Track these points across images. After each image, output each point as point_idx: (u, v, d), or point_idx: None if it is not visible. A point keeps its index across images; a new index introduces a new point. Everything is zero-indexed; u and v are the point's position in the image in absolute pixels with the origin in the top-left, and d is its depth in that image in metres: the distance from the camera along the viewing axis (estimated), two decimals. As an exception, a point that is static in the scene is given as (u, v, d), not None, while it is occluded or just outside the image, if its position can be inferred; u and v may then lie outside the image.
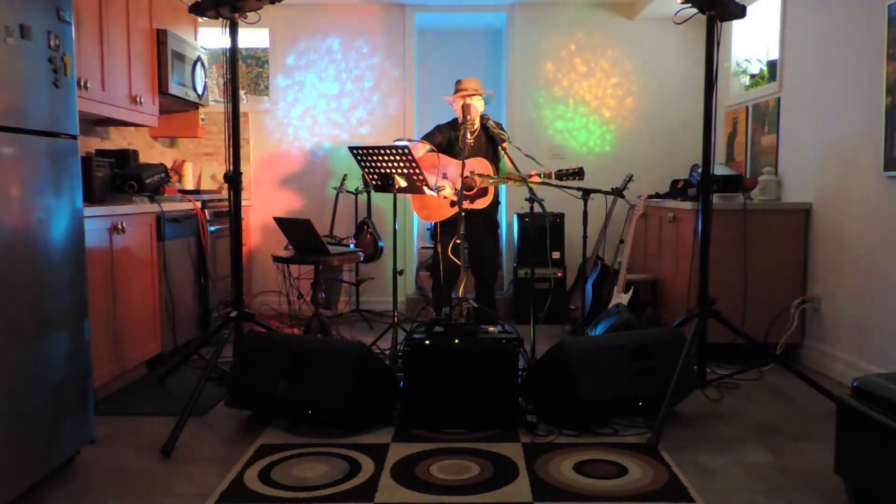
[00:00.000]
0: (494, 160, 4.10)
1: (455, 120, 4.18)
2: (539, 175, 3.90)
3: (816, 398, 3.26)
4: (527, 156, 3.93)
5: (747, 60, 5.02)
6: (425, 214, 4.17)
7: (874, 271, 3.45)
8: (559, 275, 5.22)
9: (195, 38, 4.87)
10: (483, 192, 4.01)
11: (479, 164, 4.01)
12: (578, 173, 3.84)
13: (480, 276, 4.28)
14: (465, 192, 3.75)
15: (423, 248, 6.17)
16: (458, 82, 4.13)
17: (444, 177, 4.04)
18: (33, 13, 2.27)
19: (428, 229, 6.20)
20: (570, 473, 2.50)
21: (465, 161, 3.60)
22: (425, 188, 3.77)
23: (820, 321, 3.92)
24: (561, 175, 3.86)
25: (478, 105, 4.07)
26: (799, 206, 4.06)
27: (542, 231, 4.89)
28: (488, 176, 3.98)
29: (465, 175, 3.54)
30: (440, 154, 4.09)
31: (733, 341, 3.47)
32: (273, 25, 5.58)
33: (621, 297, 4.25)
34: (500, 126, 4.08)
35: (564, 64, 5.62)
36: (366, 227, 5.27)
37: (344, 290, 5.57)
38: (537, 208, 3.50)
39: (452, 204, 3.96)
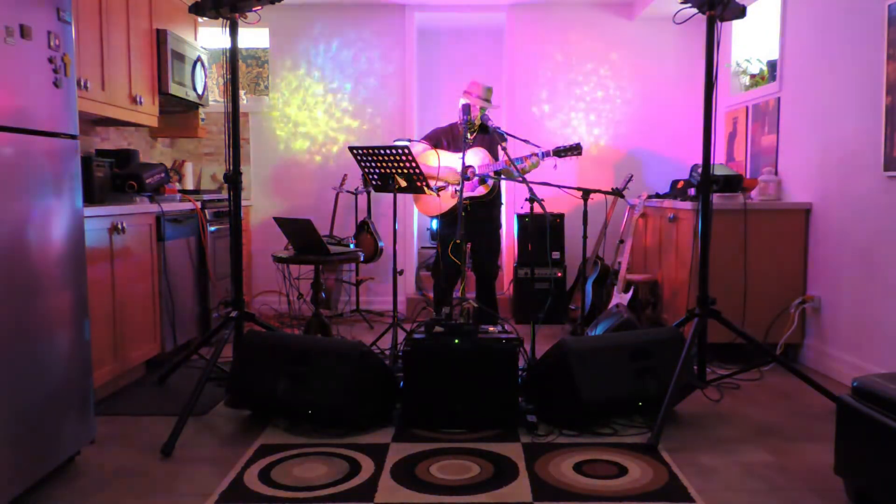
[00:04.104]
0: (494, 159, 4.11)
1: (453, 124, 4.19)
2: (538, 155, 3.95)
3: (816, 398, 3.26)
4: (523, 140, 3.95)
5: (747, 60, 5.02)
6: (426, 209, 4.18)
7: (874, 271, 3.45)
8: (559, 275, 5.22)
9: (195, 38, 4.86)
10: (483, 180, 4.03)
11: (479, 155, 4.02)
12: (576, 148, 3.91)
13: (481, 275, 4.29)
14: (464, 180, 3.75)
15: (423, 248, 6.17)
16: (472, 84, 4.13)
17: (445, 168, 4.05)
18: (33, 13, 2.27)
19: (428, 229, 6.22)
20: (570, 473, 2.50)
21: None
22: (426, 188, 3.77)
23: (820, 321, 3.92)
24: (559, 151, 3.93)
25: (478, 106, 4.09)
26: (799, 206, 4.06)
27: (542, 231, 4.89)
28: (487, 175, 3.99)
29: (463, 171, 3.55)
30: (438, 150, 4.11)
31: (733, 341, 3.47)
32: (273, 25, 5.58)
33: (621, 297, 4.25)
34: (499, 129, 4.10)
35: (564, 64, 5.61)
36: (366, 227, 5.27)
37: (344, 290, 5.57)
38: (537, 208, 3.50)
39: (453, 194, 3.98)
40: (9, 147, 2.18)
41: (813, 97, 3.98)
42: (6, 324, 2.14)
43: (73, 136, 2.51)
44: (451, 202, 4.02)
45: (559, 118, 5.63)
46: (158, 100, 4.28)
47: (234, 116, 3.16)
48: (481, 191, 4.06)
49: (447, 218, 4.09)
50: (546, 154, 3.98)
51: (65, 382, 2.44)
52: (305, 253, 4.02)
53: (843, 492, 2.31)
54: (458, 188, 3.86)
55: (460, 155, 3.68)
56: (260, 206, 5.69)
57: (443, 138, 4.19)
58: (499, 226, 4.39)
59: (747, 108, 4.81)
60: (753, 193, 4.33)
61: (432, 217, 4.49)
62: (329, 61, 5.64)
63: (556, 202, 5.11)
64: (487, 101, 4.09)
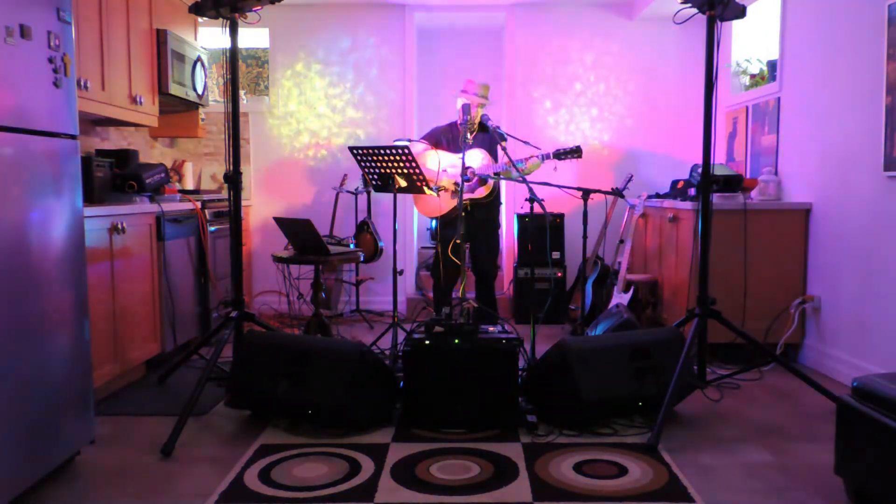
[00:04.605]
0: (494, 160, 4.11)
1: (453, 123, 4.19)
2: (539, 157, 3.95)
3: (816, 398, 3.26)
4: (524, 142, 3.95)
5: (747, 60, 5.02)
6: (427, 210, 4.18)
7: (874, 271, 3.45)
8: (559, 275, 5.22)
9: (195, 38, 4.87)
10: (483, 181, 4.03)
11: (479, 156, 4.02)
12: (576, 151, 3.92)
13: (481, 275, 4.29)
14: (464, 181, 3.75)
15: (423, 248, 6.17)
16: (468, 83, 4.13)
17: (444, 171, 4.05)
18: (33, 13, 2.27)
19: (428, 229, 6.22)
20: (570, 473, 2.50)
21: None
22: (425, 188, 3.77)
23: (820, 321, 3.92)
24: (559, 154, 3.93)
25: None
26: (799, 206, 4.06)
27: (542, 231, 4.89)
28: (487, 176, 3.99)
29: (463, 171, 3.55)
30: (439, 150, 4.11)
31: (733, 341, 3.47)
32: (273, 25, 5.58)
33: (621, 297, 4.25)
34: (498, 128, 4.10)
35: (564, 64, 5.61)
36: (366, 227, 5.27)
37: (344, 290, 5.57)
38: (537, 208, 3.50)
39: (453, 195, 3.98)
40: (9, 147, 2.18)
41: (813, 97, 3.98)
42: (6, 324, 2.14)
43: (73, 136, 2.51)
44: (451, 204, 4.03)
45: (559, 118, 5.63)
46: (158, 100, 4.28)
47: (234, 116, 3.16)
48: (481, 192, 4.06)
49: (446, 219, 4.09)
50: (546, 157, 3.98)
51: (65, 382, 2.44)
52: (305, 253, 4.02)
53: (843, 492, 2.31)
54: (457, 189, 3.86)
55: (460, 155, 3.68)
56: (260, 206, 5.69)
57: (442, 137, 4.20)
58: (498, 226, 4.39)
59: (747, 108, 4.81)
60: (753, 193, 4.33)
61: (432, 218, 4.50)
62: (328, 61, 5.64)
63: (556, 202, 5.11)
64: (485, 97, 4.10)
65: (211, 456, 2.71)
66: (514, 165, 3.88)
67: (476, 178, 4.00)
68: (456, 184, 3.99)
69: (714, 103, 3.14)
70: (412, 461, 2.62)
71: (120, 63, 3.83)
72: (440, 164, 4.04)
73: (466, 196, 3.98)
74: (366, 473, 2.51)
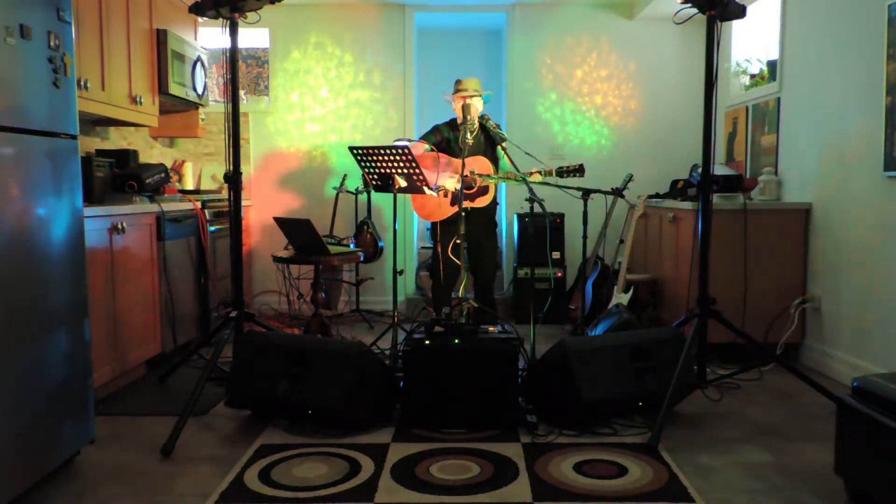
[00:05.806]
0: (494, 160, 4.11)
1: (454, 120, 4.19)
2: (540, 173, 3.93)
3: (816, 398, 3.26)
4: (526, 153, 3.94)
5: (747, 60, 5.02)
6: (425, 214, 4.18)
7: (874, 271, 3.45)
8: (559, 275, 5.22)
9: (195, 38, 4.87)
10: (484, 191, 4.03)
11: (479, 163, 4.01)
12: (579, 170, 3.89)
13: (479, 275, 4.29)
14: (465, 191, 3.75)
15: (423, 248, 6.17)
16: (458, 82, 4.14)
17: (445, 169, 4.05)
18: (33, 13, 2.27)
19: (428, 229, 6.21)
20: (570, 473, 2.50)
21: (465, 160, 3.61)
22: (425, 188, 3.77)
23: (820, 321, 3.91)
24: (561, 172, 3.90)
25: (477, 105, 4.09)
26: (799, 206, 4.06)
27: (542, 231, 4.89)
28: (488, 176, 3.98)
29: (464, 174, 3.54)
30: (439, 153, 4.10)
31: (733, 341, 3.47)
32: (273, 25, 5.58)
33: (621, 297, 4.25)
34: (498, 127, 4.09)
35: (564, 64, 5.61)
36: (366, 227, 5.27)
37: (344, 290, 5.57)
38: (537, 208, 3.50)
39: (453, 202, 3.97)
40: (9, 147, 2.18)
41: (813, 97, 3.98)
42: (6, 324, 2.14)
43: (73, 136, 2.51)
44: (451, 210, 4.02)
45: (559, 118, 5.63)
46: (158, 100, 4.28)
47: (234, 116, 3.16)
48: (482, 201, 4.05)
49: (445, 222, 4.08)
50: (548, 174, 3.96)
51: (65, 382, 2.44)
52: (305, 253, 4.02)
53: (843, 492, 2.31)
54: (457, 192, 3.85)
55: (461, 162, 3.66)
56: (260, 206, 5.69)
57: (443, 135, 4.18)
58: (496, 226, 4.39)
59: (747, 108, 4.81)
60: (753, 193, 4.33)
61: (432, 222, 4.50)
62: (328, 61, 5.64)
63: (556, 202, 5.11)
64: (478, 91, 4.10)
65: (211, 456, 2.71)
66: (516, 170, 3.87)
67: (477, 187, 3.98)
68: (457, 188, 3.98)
69: (714, 103, 3.14)
70: (412, 461, 2.62)
71: (120, 63, 3.83)
72: (440, 163, 4.03)
73: (467, 204, 3.95)
74: (366, 473, 2.51)
